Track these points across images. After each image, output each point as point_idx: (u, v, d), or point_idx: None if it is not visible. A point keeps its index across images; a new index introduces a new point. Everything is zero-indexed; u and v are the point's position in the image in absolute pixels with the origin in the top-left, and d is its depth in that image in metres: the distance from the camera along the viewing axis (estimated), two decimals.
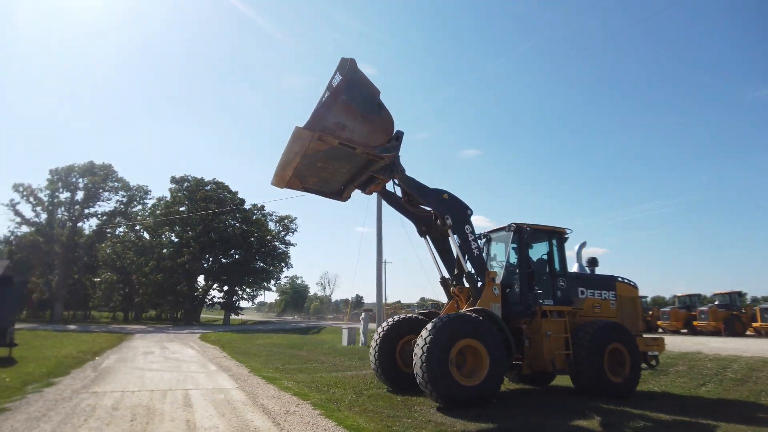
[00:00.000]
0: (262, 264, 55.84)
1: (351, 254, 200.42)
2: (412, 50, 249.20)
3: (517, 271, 10.11)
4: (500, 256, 10.79)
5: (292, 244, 58.40)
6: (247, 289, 59.23)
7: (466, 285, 9.57)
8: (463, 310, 8.89)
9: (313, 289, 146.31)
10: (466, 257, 9.28)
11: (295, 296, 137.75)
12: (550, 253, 10.32)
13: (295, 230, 58.35)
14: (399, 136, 8.16)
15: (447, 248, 10.17)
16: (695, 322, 34.61)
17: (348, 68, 7.40)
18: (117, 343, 22.63)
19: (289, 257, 59.11)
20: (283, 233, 57.85)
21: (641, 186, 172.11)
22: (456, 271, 10.00)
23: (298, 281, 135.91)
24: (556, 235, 10.42)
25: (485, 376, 7.95)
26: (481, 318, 8.28)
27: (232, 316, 57.50)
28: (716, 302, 36.32)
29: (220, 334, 31.07)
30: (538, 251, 10.57)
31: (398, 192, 9.83)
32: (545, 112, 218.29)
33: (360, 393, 9.37)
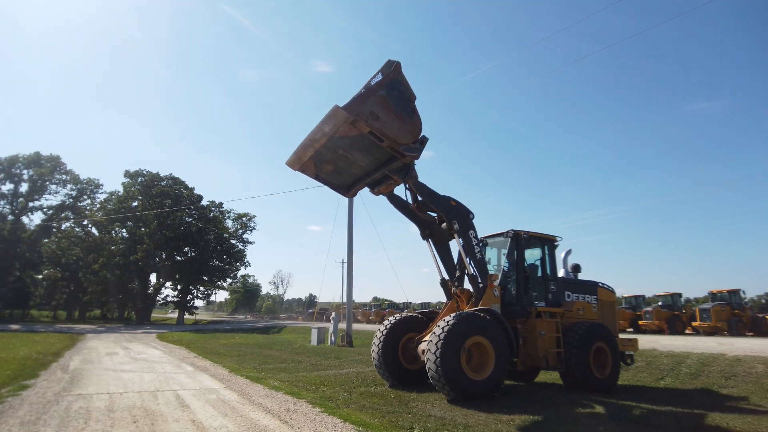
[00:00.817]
0: (218, 262, 54.56)
1: (304, 253, 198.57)
2: (366, 47, 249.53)
3: (513, 274, 10.63)
4: (494, 260, 11.30)
5: (250, 243, 57.48)
6: (201, 288, 57.75)
7: (466, 286, 10.02)
8: (470, 309, 9.22)
9: (265, 288, 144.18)
10: (470, 260, 9.65)
11: (247, 295, 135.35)
12: (542, 259, 10.94)
13: (254, 228, 57.46)
14: (424, 141, 8.43)
15: (448, 251, 10.62)
16: (640, 322, 36.78)
17: (393, 69, 7.83)
18: (72, 343, 21.65)
19: (245, 255, 58.15)
20: (241, 231, 56.77)
21: (587, 193, 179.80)
22: (458, 273, 10.42)
23: (250, 280, 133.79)
24: (548, 242, 11.06)
25: (491, 371, 8.48)
26: (488, 317, 8.76)
27: (186, 316, 55.88)
28: (660, 303, 38.77)
29: (178, 334, 30.27)
30: (529, 256, 11.12)
31: (406, 197, 10.18)
32: (498, 119, 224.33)
33: (350, 391, 9.53)
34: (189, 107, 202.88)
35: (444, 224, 10.26)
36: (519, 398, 9.09)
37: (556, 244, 11.33)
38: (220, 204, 53.63)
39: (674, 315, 36.67)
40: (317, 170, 9.46)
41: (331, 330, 22.76)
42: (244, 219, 56.26)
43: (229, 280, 58.29)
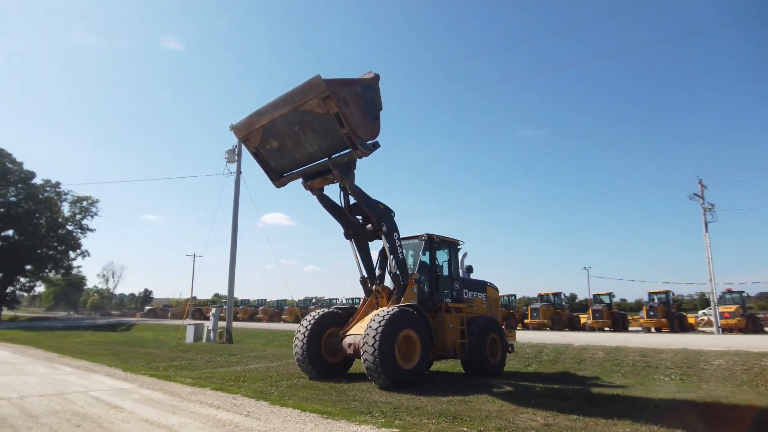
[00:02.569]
0: (49, 250, 47.31)
1: (137, 244, 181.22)
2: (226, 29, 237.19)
3: (426, 273, 11.62)
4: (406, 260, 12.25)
5: (91, 230, 50.94)
6: (22, 279, 49.56)
7: (386, 284, 10.72)
8: (400, 305, 9.81)
9: (91, 281, 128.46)
10: (393, 260, 10.36)
11: (68, 289, 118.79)
12: (449, 260, 12.13)
13: (96, 214, 50.97)
14: (377, 145, 8.91)
15: (367, 251, 11.18)
16: None
17: (372, 77, 8.60)
18: None
19: (80, 244, 51.23)
20: (79, 216, 49.99)
21: (427, 206, 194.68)
22: (378, 272, 11.06)
23: (74, 272, 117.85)
24: (453, 246, 12.32)
25: (417, 360, 9.27)
26: (415, 312, 9.54)
27: (4, 311, 47.38)
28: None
29: (9, 332, 25.97)
30: (438, 257, 12.29)
31: (341, 199, 10.63)
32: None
33: (276, 385, 9.58)
34: (18, 70, 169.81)
35: (369, 225, 10.90)
36: (437, 384, 10.09)
37: (459, 247, 12.74)
38: (57, 184, 46.51)
39: (510, 313, 42.24)
40: (261, 144, 9.44)
41: (210, 327, 21.72)
42: (84, 203, 49.57)
43: (62, 271, 50.88)
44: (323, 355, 10.56)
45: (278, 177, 10.27)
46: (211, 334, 21.10)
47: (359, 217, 11.01)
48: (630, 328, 41.48)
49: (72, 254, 50.08)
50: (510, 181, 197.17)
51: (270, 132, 9.08)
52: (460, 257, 14.15)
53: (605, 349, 15.74)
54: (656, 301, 38.60)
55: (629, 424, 6.47)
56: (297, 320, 55.52)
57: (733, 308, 35.70)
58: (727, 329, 34.72)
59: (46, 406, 7.23)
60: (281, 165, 10.06)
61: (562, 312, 42.14)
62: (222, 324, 21.79)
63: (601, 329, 39.32)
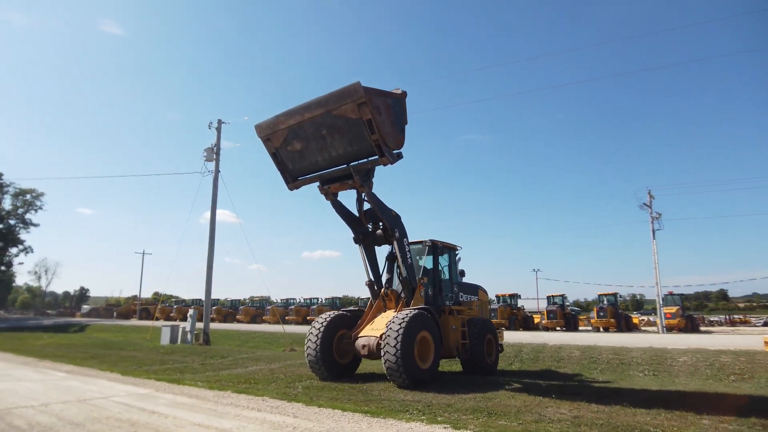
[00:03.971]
0: None
1: (72, 240, 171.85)
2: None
3: (429, 277, 12.05)
4: None
5: (35, 225, 47.86)
6: None
7: (393, 287, 11.08)
8: (414, 308, 10.13)
9: (21, 279, 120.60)
10: (403, 264, 10.73)
11: None
12: (450, 265, 12.64)
13: (40, 208, 47.91)
14: (400, 155, 9.26)
15: (374, 255, 11.47)
16: None
17: (400, 94, 9.04)
18: None
19: (22, 240, 48.09)
20: (22, 210, 46.85)
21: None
22: (387, 276, 11.38)
23: (13, 269, 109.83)
24: (452, 251, 12.85)
25: (432, 360, 9.71)
26: (429, 315, 9.98)
27: None
28: None
29: None
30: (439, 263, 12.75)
31: (358, 205, 10.80)
32: None
33: (293, 386, 9.67)
34: None
35: (380, 231, 11.21)
36: (451, 383, 10.43)
37: (456, 252, 13.29)
38: None
39: None
40: (282, 145, 9.55)
41: (188, 328, 21.19)
42: (28, 196, 46.50)
43: (3, 268, 47.49)
44: (335, 356, 10.77)
45: (293, 179, 10.38)
46: (188, 336, 20.62)
47: (369, 223, 11.28)
48: (579, 328, 43.88)
49: (14, 250, 47.00)
50: (455, 184, 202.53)
51: (296, 133, 9.23)
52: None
53: (580, 348, 16.79)
54: (605, 302, 41.07)
55: (645, 413, 7.21)
56: (253, 321, 54.59)
57: (674, 309, 38.64)
58: (669, 329, 37.50)
59: (77, 413, 7.07)
60: (299, 168, 10.19)
61: (518, 312, 43.99)
62: (199, 325, 21.31)
63: (554, 329, 41.33)
